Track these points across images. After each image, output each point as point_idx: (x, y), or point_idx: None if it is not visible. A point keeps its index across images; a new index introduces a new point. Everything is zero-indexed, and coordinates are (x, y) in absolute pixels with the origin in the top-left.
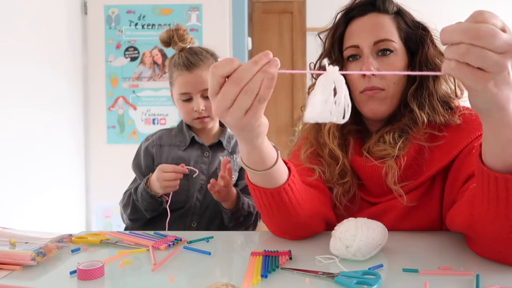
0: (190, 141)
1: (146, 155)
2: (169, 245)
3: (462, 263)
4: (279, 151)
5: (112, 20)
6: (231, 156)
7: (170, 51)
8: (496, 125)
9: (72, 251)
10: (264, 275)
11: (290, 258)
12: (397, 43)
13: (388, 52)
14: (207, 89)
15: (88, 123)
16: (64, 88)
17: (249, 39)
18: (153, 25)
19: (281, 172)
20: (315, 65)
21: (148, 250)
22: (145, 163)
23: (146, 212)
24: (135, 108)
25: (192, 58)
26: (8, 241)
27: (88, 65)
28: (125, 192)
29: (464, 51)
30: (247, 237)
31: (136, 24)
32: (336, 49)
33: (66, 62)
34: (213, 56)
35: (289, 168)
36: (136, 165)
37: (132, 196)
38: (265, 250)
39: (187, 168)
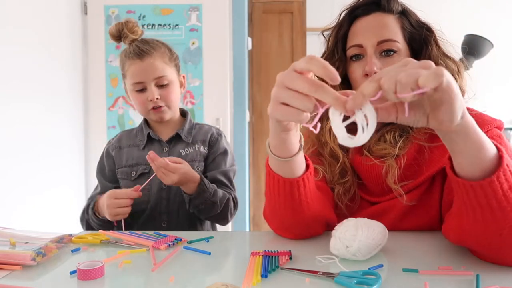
0: (147, 138)
1: (107, 158)
2: (169, 245)
3: (462, 263)
4: (302, 148)
5: (112, 20)
6: (193, 147)
7: None
8: (467, 132)
9: (72, 251)
10: (264, 275)
11: (290, 258)
12: (400, 44)
13: (391, 53)
14: (161, 77)
15: (88, 123)
16: (64, 88)
17: (249, 39)
18: (153, 25)
19: (298, 166)
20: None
21: (148, 250)
22: (108, 167)
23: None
24: (135, 108)
25: (143, 47)
26: (8, 241)
27: (88, 65)
28: (89, 198)
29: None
30: (247, 237)
31: None
32: (340, 48)
33: (66, 62)
34: (166, 46)
35: (307, 165)
36: (99, 170)
37: (85, 214)
38: (265, 250)
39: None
